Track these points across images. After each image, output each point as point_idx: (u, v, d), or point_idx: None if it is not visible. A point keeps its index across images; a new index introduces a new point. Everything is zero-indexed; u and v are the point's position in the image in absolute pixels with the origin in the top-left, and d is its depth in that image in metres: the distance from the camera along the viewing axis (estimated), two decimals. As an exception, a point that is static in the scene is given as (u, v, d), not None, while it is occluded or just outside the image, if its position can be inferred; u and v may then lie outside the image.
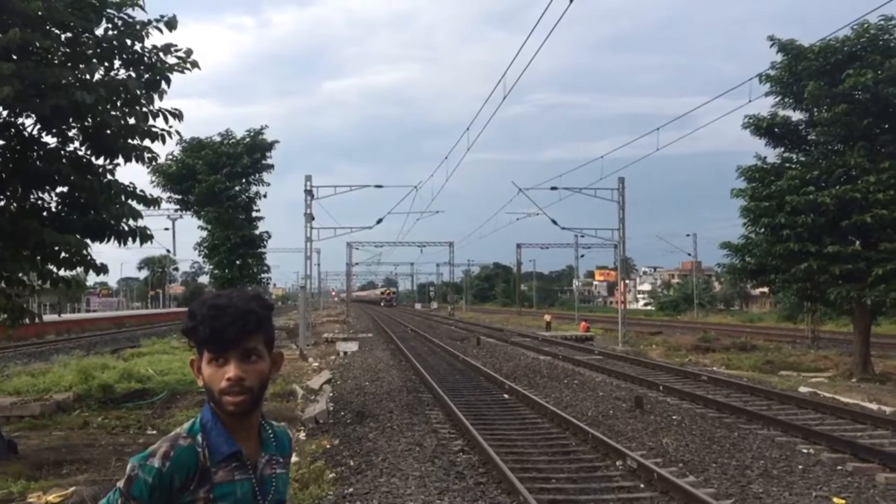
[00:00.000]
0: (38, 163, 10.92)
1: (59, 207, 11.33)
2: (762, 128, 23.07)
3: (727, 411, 14.93)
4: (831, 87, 20.87)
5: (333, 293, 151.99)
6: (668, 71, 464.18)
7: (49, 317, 49.38)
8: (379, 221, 43.04)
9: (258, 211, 35.67)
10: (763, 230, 22.67)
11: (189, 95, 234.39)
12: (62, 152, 11.16)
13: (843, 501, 8.87)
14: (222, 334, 1.96)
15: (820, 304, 24.66)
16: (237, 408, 1.98)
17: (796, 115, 23.09)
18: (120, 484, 1.95)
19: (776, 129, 23.14)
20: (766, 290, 30.72)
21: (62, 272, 11.65)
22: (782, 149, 23.62)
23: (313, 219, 37.16)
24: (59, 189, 11.26)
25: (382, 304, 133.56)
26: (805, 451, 11.46)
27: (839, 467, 10.44)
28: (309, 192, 36.27)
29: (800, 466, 10.50)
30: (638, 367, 24.01)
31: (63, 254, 11.03)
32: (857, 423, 13.76)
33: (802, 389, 18.60)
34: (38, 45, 10.27)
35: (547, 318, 53.08)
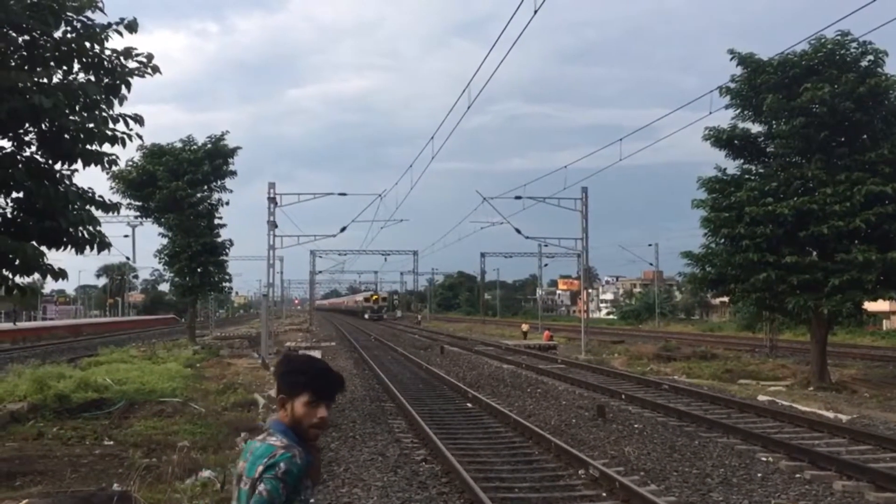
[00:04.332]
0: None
1: (15, 213, 11.08)
2: (722, 140, 23.40)
3: (688, 420, 15.08)
4: (789, 100, 21.26)
5: (297, 301, 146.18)
6: (631, 82, 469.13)
7: (3, 325, 48.32)
8: (343, 230, 42.72)
9: (220, 218, 35.45)
10: (723, 240, 22.97)
11: (152, 101, 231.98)
12: (18, 157, 10.93)
13: (801, 509, 8.97)
14: (332, 390, 2.76)
15: (778, 313, 25.03)
16: (317, 439, 2.74)
17: (755, 128, 23.51)
18: (275, 474, 2.50)
19: (736, 142, 23.49)
20: (725, 299, 31.08)
21: (18, 279, 11.39)
22: (742, 160, 23.98)
23: (276, 226, 36.80)
24: (14, 195, 11.01)
25: (367, 315, 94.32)
26: (764, 459, 11.60)
27: (797, 475, 10.57)
28: (272, 200, 35.90)
29: (759, 474, 10.62)
30: (600, 376, 24.14)
31: (18, 261, 10.77)
32: (815, 431, 13.95)
33: (761, 398, 18.84)
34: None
35: (525, 327, 53.24)
